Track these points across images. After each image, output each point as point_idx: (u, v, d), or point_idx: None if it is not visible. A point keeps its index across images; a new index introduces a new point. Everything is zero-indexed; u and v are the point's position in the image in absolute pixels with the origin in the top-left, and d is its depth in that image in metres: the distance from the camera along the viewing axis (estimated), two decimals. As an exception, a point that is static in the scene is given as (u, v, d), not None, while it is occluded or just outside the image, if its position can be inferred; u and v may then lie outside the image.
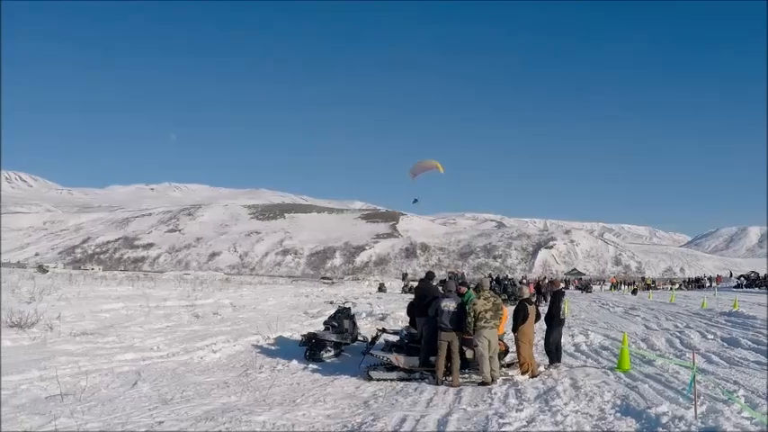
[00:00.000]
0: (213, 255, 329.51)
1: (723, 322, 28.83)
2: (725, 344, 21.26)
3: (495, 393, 14.36)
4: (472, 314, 15.46)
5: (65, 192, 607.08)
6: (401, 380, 16.35)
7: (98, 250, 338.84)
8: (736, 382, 14.56)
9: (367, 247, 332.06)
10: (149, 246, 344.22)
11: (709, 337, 23.05)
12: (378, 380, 16.32)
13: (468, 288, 19.37)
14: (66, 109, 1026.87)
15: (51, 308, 26.96)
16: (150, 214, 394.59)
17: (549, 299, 23.64)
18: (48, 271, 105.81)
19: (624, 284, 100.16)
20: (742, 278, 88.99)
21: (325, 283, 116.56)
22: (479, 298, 15.83)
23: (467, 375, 16.28)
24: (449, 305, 15.82)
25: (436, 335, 15.98)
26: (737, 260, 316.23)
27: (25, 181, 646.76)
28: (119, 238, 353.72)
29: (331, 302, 41.81)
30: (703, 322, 29.27)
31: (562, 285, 23.37)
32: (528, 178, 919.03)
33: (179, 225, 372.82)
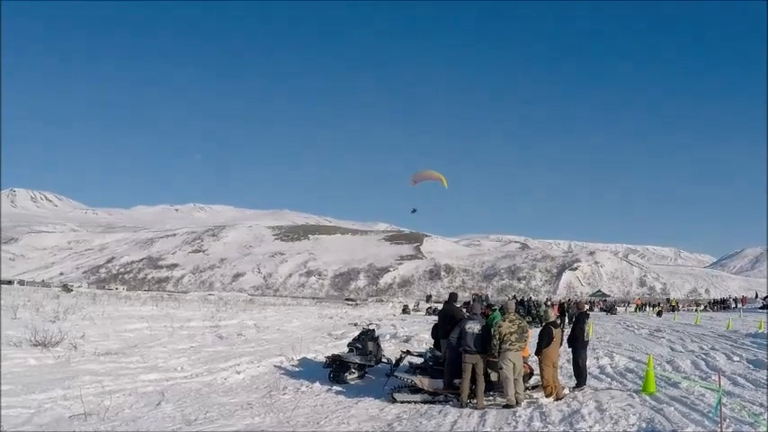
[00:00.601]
0: (237, 276, 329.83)
1: (749, 344, 28.54)
2: (751, 366, 21.03)
3: (520, 416, 14.26)
4: (497, 336, 15.37)
5: (89, 212, 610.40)
6: (425, 402, 16.27)
7: (122, 270, 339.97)
8: (762, 405, 14.41)
9: (391, 269, 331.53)
10: (173, 266, 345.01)
11: (735, 359, 22.82)
12: (402, 402, 16.25)
13: (495, 309, 19.27)
14: (92, 129, 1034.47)
15: (75, 327, 27.08)
16: (175, 235, 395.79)
17: (572, 321, 23.46)
18: (72, 290, 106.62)
19: (649, 306, 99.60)
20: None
21: (349, 304, 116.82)
22: (505, 320, 15.74)
23: (491, 398, 16.15)
24: (473, 327, 15.72)
25: (460, 357, 15.89)
26: (763, 281, 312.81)
27: (50, 201, 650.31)
28: (143, 259, 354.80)
29: (355, 324, 41.79)
30: (729, 344, 28.98)
31: (587, 307, 23.27)
32: (552, 200, 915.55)
33: (203, 246, 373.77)
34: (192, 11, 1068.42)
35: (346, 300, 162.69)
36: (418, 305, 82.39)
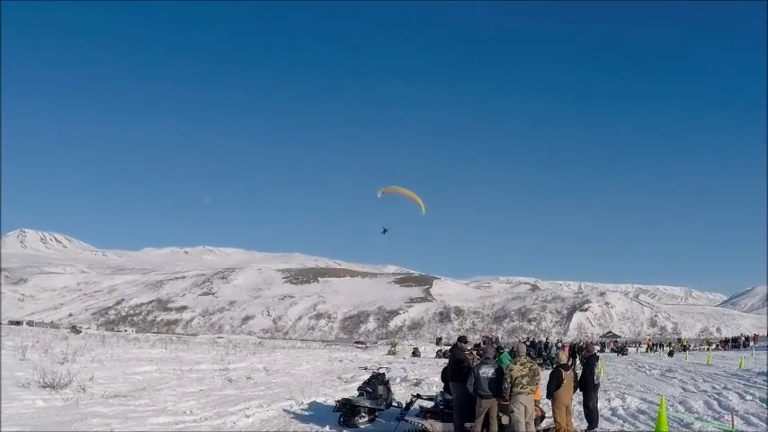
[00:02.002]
0: (246, 318, 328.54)
1: (762, 382, 28.40)
2: (764, 404, 20.94)
3: (532, 460, 14.14)
4: (509, 380, 15.26)
5: (99, 253, 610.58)
6: (437, 446, 16.15)
7: (131, 312, 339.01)
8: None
9: (401, 312, 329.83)
10: (183, 308, 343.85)
11: (748, 397, 22.72)
12: (412, 447, 16.13)
13: (502, 352, 19.17)
14: (101, 170, 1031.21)
15: (84, 369, 27.03)
16: (184, 277, 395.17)
17: (582, 363, 23.37)
18: (81, 332, 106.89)
19: (660, 346, 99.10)
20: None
21: (358, 347, 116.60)
22: (516, 363, 15.63)
23: (503, 442, 16.04)
24: (487, 371, 15.60)
25: (468, 400, 15.79)
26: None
27: (60, 242, 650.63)
28: (152, 301, 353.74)
29: (365, 368, 41.60)
30: (741, 383, 28.84)
31: (597, 349, 23.22)
32: (562, 241, 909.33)
33: (213, 288, 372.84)
34: (200, 54, 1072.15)
35: (356, 342, 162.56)
36: (394, 346, 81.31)
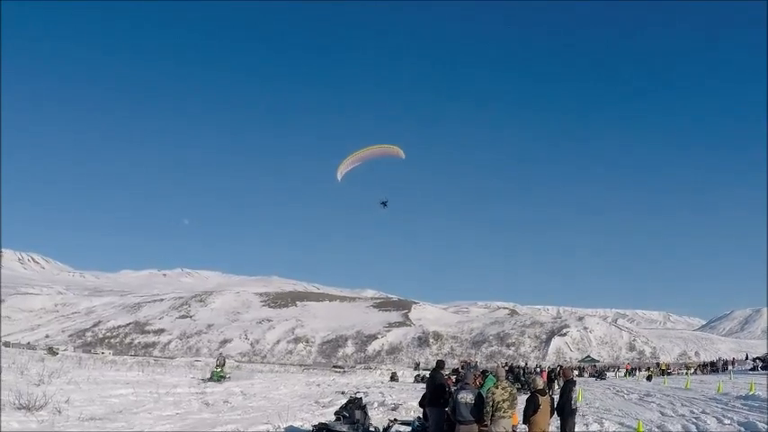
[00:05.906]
0: (224, 342, 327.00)
1: (739, 406, 28.51)
2: (742, 428, 21.04)
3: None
4: (491, 403, 15.25)
5: (77, 275, 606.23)
6: (413, 472, 16.11)
7: (109, 334, 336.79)
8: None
9: (379, 336, 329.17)
10: (160, 331, 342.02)
11: (726, 421, 22.82)
12: (388, 471, 16.09)
13: (488, 375, 19.18)
14: (79, 191, 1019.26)
15: (60, 391, 26.88)
16: (162, 300, 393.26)
17: (559, 387, 23.42)
18: (58, 353, 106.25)
19: (638, 371, 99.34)
20: (758, 360, 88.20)
21: (336, 371, 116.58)
22: (497, 387, 15.63)
23: (480, 466, 16.00)
24: (466, 397, 15.58)
25: (445, 426, 15.78)
26: (753, 342, 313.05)
27: (38, 263, 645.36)
28: (130, 323, 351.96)
29: (342, 392, 41.52)
30: (720, 407, 28.94)
31: (575, 373, 23.24)
32: (540, 266, 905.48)
33: (190, 311, 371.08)
34: (185, 68, 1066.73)
35: (334, 367, 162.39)
36: (221, 367, 77.91)
